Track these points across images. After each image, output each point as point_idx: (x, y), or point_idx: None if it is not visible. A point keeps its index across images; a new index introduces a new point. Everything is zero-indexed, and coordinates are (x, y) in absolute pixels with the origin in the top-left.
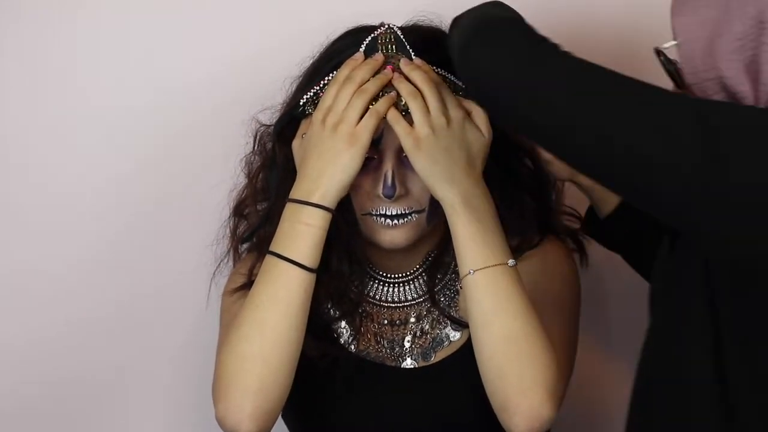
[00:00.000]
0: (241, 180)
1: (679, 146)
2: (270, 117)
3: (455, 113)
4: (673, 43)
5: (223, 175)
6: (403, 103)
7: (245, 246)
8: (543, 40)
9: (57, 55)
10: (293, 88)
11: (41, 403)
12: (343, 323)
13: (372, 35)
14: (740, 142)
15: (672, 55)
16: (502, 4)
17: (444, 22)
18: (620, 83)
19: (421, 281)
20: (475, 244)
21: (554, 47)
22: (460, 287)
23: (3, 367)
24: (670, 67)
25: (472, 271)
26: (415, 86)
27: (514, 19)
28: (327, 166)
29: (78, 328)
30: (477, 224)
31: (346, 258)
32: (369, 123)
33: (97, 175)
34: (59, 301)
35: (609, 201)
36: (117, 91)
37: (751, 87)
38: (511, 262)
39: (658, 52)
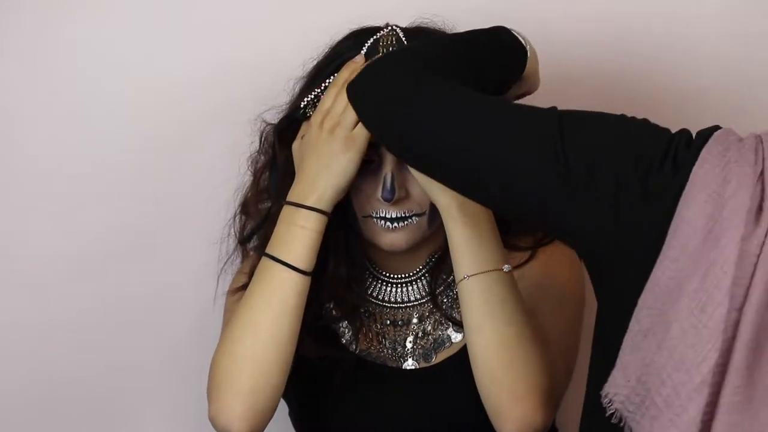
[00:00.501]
0: (247, 179)
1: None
2: (276, 116)
3: None
4: None
5: (227, 174)
6: None
7: (252, 245)
8: (425, 71)
9: (58, 56)
10: (297, 90)
11: (42, 402)
12: (345, 323)
13: (374, 37)
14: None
15: None
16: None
17: (449, 24)
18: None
19: (423, 282)
20: (470, 249)
21: (433, 79)
22: (456, 291)
23: (4, 367)
24: None
25: (467, 276)
26: None
27: (402, 51)
28: (323, 169)
29: (79, 328)
30: (472, 229)
31: (344, 261)
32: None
33: (101, 173)
34: (61, 300)
35: None
36: (120, 90)
37: None
38: (506, 267)
39: None
